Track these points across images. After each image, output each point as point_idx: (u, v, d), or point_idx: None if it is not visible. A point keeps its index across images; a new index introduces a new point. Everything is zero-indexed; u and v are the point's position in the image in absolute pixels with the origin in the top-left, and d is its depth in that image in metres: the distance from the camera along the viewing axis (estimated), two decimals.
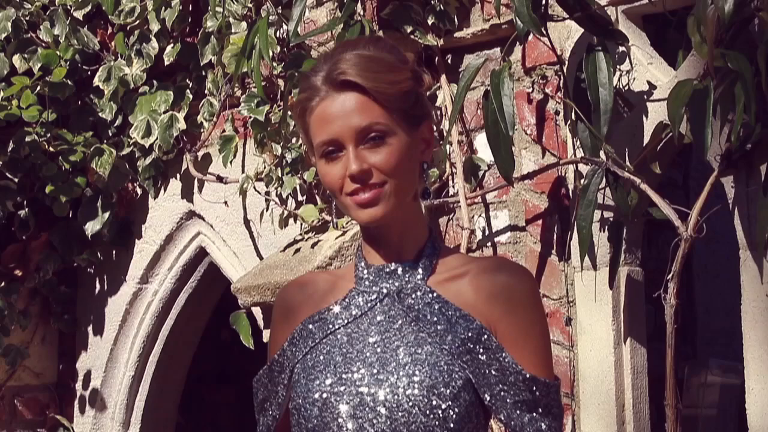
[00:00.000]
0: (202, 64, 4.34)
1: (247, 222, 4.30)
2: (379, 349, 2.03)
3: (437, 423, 1.97)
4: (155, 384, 4.62)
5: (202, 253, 4.52)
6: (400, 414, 1.97)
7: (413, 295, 2.06)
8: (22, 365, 4.68)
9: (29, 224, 4.58)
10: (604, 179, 3.39)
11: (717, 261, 4.26)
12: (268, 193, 4.15)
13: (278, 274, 3.80)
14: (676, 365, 3.31)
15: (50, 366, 4.78)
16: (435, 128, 3.88)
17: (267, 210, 4.17)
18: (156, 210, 4.57)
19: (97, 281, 4.71)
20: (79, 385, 4.70)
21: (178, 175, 4.51)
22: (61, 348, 4.78)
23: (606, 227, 3.51)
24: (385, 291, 2.08)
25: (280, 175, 4.10)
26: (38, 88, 4.48)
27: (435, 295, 2.05)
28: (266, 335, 3.87)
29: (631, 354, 3.49)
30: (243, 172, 4.24)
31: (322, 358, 2.06)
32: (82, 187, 4.53)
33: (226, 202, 4.36)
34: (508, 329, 2.02)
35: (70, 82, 4.52)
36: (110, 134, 4.57)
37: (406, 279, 2.08)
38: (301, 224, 4.01)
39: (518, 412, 2.01)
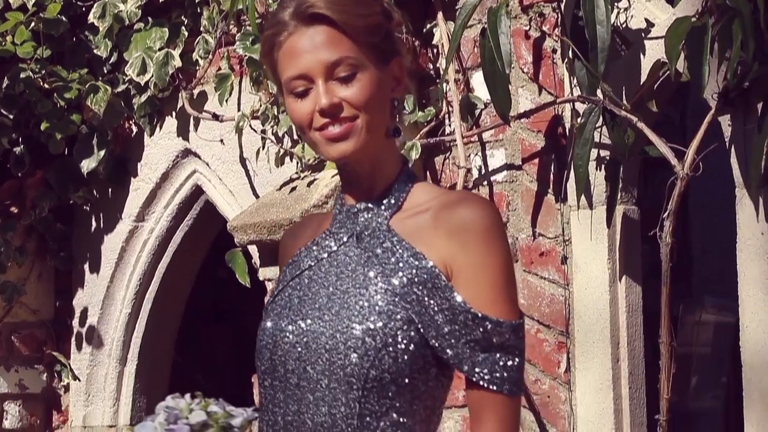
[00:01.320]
0: (197, 1, 4.31)
1: (243, 160, 4.29)
2: (331, 291, 2.01)
3: (373, 364, 1.94)
4: (152, 321, 4.64)
5: (198, 191, 4.52)
6: (337, 357, 1.95)
7: (372, 236, 2.02)
8: (18, 302, 4.69)
9: (25, 161, 4.57)
10: (601, 118, 3.39)
11: (713, 200, 4.27)
12: (264, 131, 4.14)
13: (274, 212, 3.80)
14: (671, 303, 3.33)
15: (47, 303, 4.79)
16: (432, 66, 3.87)
17: (263, 148, 4.17)
18: (152, 148, 4.56)
19: (93, 219, 4.71)
20: (75, 322, 4.71)
21: (173, 113, 4.50)
22: (58, 285, 4.79)
23: (603, 166, 3.51)
24: (350, 232, 2.04)
25: (276, 113, 4.08)
26: (33, 24, 4.46)
27: (391, 234, 2.01)
28: (262, 273, 3.88)
29: (627, 292, 3.51)
30: (239, 110, 4.23)
31: (283, 301, 2.04)
32: (77, 124, 4.52)
33: (222, 141, 4.35)
34: (464, 266, 1.96)
35: (64, 19, 4.49)
36: (105, 71, 4.55)
37: (369, 218, 2.04)
38: (297, 162, 4.01)
39: (469, 351, 1.95)
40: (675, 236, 3.29)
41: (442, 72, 3.75)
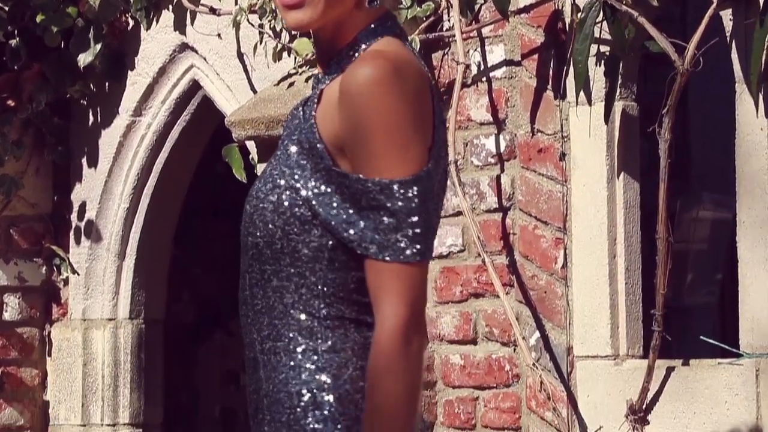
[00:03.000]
0: None
1: (240, 55, 4.27)
2: (270, 170, 2.00)
3: (248, 231, 1.96)
4: (150, 216, 4.65)
5: (195, 86, 4.50)
6: (248, 228, 1.98)
7: (304, 105, 1.99)
8: (17, 196, 4.69)
9: (20, 54, 4.54)
10: (601, 12, 3.36)
11: (713, 96, 4.25)
12: (261, 26, 4.11)
13: (272, 108, 3.79)
14: (669, 200, 3.34)
15: (45, 197, 4.79)
16: None
17: (261, 43, 4.14)
18: (148, 42, 4.53)
19: (91, 113, 4.70)
20: (74, 216, 4.72)
21: (170, 6, 4.46)
22: (56, 179, 4.79)
23: (602, 61, 3.49)
24: (302, 105, 2.01)
25: (273, 7, 4.05)
26: None
27: (314, 102, 1.96)
28: (259, 169, 3.88)
29: (624, 189, 3.51)
30: (236, 4, 4.20)
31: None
32: (73, 17, 4.48)
33: (219, 35, 4.32)
34: (347, 130, 1.89)
35: None
36: None
37: (317, 87, 1.99)
38: (295, 58, 3.99)
39: (343, 213, 1.88)
40: (674, 132, 3.29)
41: None
